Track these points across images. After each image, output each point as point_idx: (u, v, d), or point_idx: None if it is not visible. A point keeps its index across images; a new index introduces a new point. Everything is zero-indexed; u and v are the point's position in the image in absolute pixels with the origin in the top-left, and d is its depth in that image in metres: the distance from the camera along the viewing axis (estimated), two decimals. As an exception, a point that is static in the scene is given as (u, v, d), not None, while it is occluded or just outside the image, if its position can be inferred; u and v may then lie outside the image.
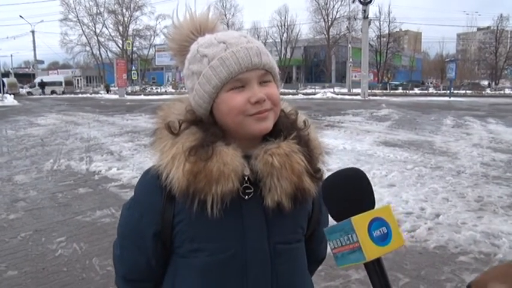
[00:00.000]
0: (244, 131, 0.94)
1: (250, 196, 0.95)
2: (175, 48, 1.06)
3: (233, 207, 0.92)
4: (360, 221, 0.72)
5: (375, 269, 0.74)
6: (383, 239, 0.73)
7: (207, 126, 0.95)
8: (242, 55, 0.91)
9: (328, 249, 0.89)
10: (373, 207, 0.76)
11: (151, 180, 0.96)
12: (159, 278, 1.04)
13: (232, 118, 0.92)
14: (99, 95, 41.65)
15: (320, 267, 1.39)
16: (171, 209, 0.95)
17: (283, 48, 60.26)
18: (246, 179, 0.94)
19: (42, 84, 47.94)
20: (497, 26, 58.69)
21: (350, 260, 0.73)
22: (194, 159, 0.89)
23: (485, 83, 54.12)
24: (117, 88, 40.17)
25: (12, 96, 33.33)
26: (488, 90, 43.73)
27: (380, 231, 0.73)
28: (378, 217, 0.74)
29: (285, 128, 0.98)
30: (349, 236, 0.72)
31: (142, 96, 36.22)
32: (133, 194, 1.04)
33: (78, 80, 68.08)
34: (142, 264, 1.02)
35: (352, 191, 0.79)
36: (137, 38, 59.27)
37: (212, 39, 0.96)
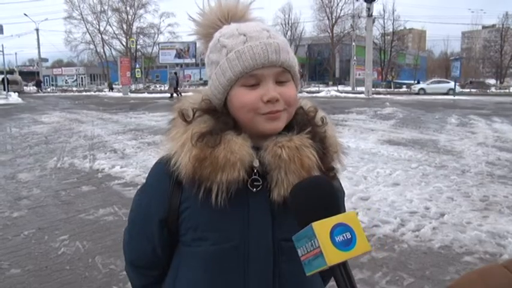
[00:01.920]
0: (254, 128, 0.93)
1: (258, 189, 0.93)
2: (203, 33, 1.06)
3: (240, 199, 0.91)
4: (321, 227, 0.73)
5: (341, 274, 0.73)
6: (346, 244, 0.73)
7: (219, 115, 0.94)
8: (259, 50, 0.89)
9: None
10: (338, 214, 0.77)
11: (160, 167, 0.98)
12: (166, 267, 1.05)
13: (244, 114, 0.91)
14: (103, 93, 41.77)
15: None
16: (178, 195, 0.95)
17: (287, 46, 60.09)
18: (255, 171, 0.92)
19: (39, 83, 48.29)
20: (503, 24, 58.35)
21: (314, 266, 0.74)
22: (201, 145, 0.89)
23: (491, 81, 53.94)
24: (120, 86, 40.24)
25: (17, 94, 33.45)
26: (493, 89, 43.49)
27: (343, 236, 0.73)
28: (342, 223, 0.74)
29: (300, 123, 0.96)
30: (312, 241, 0.73)
31: (146, 94, 36.28)
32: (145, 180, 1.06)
33: (82, 77, 68.29)
34: (148, 252, 1.02)
35: (316, 198, 0.79)
36: (141, 36, 59.22)
37: (234, 29, 0.94)
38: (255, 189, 0.93)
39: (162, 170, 0.96)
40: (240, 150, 0.89)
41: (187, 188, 0.92)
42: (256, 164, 0.92)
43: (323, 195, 0.80)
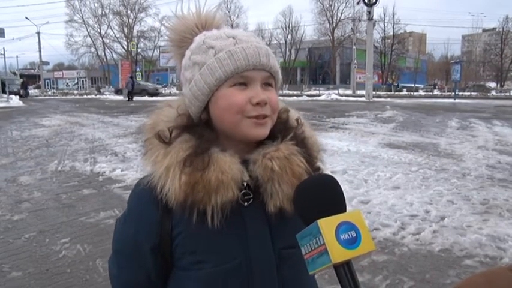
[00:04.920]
0: (239, 133, 0.90)
1: (250, 202, 0.92)
2: (175, 39, 1.02)
3: (233, 215, 0.89)
4: (327, 224, 0.73)
5: (345, 273, 0.73)
6: (351, 243, 0.72)
7: (200, 132, 0.91)
8: (251, 52, 0.89)
9: None
10: (343, 212, 0.77)
11: (145, 193, 0.92)
12: None
13: (231, 116, 0.89)
14: (104, 96, 41.83)
15: (324, 270, 1.37)
16: (169, 221, 0.91)
17: (287, 49, 60.29)
18: (245, 185, 0.91)
19: (25, 86, 42.52)
20: (503, 28, 58.49)
21: (318, 263, 0.73)
22: (190, 170, 0.86)
23: (491, 84, 54.00)
24: (124, 89, 40.25)
25: (18, 97, 33.47)
26: (493, 92, 43.53)
27: (348, 234, 0.73)
28: (347, 221, 0.74)
29: (279, 129, 0.95)
30: (317, 239, 0.73)
31: (146, 97, 36.29)
32: (126, 207, 1.00)
33: (83, 81, 68.44)
34: (142, 280, 0.98)
35: (322, 195, 0.79)
36: (142, 40, 59.48)
37: (221, 33, 0.94)
38: (246, 204, 0.91)
39: (148, 197, 0.91)
40: (231, 169, 0.87)
41: (177, 212, 0.88)
42: (246, 178, 0.90)
43: (329, 192, 0.80)
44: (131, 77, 34.17)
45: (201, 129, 0.92)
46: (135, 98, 32.73)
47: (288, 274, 0.95)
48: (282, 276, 0.94)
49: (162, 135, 0.91)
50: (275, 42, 59.04)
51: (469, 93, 40.40)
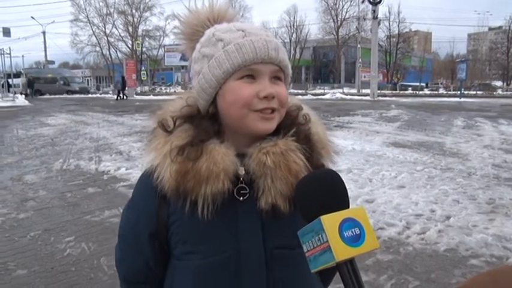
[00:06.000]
0: (245, 127, 0.89)
1: (245, 197, 0.90)
2: (188, 32, 1.02)
3: (228, 209, 0.88)
4: (330, 220, 0.71)
5: (348, 271, 0.71)
6: (355, 240, 0.71)
7: (201, 122, 0.91)
8: (260, 45, 0.88)
9: None
10: (346, 209, 0.75)
11: (145, 180, 0.95)
12: (161, 280, 1.02)
13: (237, 110, 0.88)
14: (109, 95, 41.97)
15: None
16: (166, 209, 0.92)
17: (292, 48, 60.12)
18: (241, 179, 0.90)
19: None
20: (509, 26, 58.00)
21: (320, 261, 0.71)
22: (182, 158, 0.86)
23: (497, 83, 53.67)
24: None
25: (24, 96, 33.66)
26: (499, 91, 43.27)
27: (352, 231, 0.71)
28: (350, 217, 0.72)
29: (286, 125, 0.93)
30: (320, 236, 0.71)
31: (151, 97, 36.39)
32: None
33: (88, 80, 68.65)
34: (141, 266, 1.00)
35: (325, 191, 0.78)
36: (147, 39, 59.42)
37: (231, 26, 0.93)
38: (241, 198, 0.90)
39: (148, 184, 0.93)
40: (223, 160, 0.86)
41: (173, 201, 0.90)
42: (241, 172, 0.89)
43: (332, 188, 0.79)
44: (122, 77, 34.05)
45: (202, 120, 0.92)
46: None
47: (280, 275, 0.92)
48: (274, 276, 0.92)
49: (164, 124, 0.92)
50: (280, 41, 58.34)
51: (474, 92, 40.07)
